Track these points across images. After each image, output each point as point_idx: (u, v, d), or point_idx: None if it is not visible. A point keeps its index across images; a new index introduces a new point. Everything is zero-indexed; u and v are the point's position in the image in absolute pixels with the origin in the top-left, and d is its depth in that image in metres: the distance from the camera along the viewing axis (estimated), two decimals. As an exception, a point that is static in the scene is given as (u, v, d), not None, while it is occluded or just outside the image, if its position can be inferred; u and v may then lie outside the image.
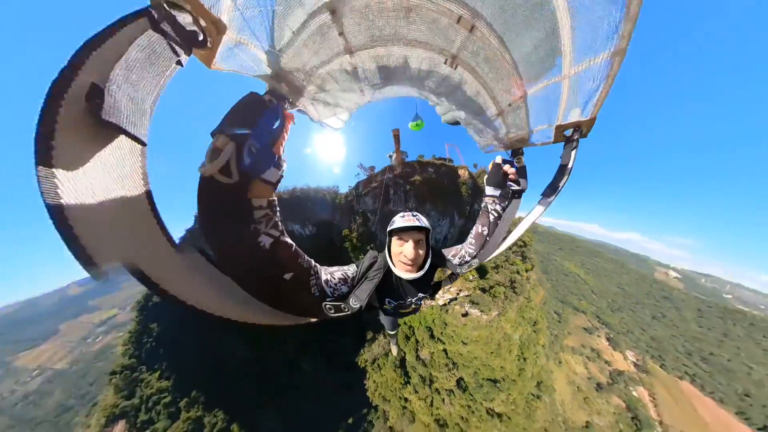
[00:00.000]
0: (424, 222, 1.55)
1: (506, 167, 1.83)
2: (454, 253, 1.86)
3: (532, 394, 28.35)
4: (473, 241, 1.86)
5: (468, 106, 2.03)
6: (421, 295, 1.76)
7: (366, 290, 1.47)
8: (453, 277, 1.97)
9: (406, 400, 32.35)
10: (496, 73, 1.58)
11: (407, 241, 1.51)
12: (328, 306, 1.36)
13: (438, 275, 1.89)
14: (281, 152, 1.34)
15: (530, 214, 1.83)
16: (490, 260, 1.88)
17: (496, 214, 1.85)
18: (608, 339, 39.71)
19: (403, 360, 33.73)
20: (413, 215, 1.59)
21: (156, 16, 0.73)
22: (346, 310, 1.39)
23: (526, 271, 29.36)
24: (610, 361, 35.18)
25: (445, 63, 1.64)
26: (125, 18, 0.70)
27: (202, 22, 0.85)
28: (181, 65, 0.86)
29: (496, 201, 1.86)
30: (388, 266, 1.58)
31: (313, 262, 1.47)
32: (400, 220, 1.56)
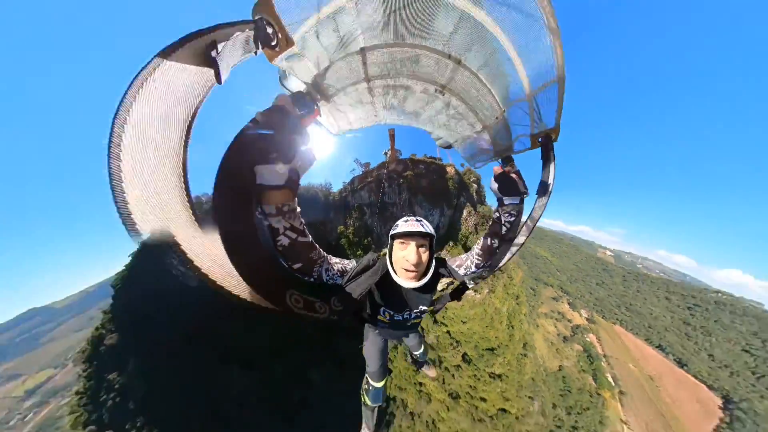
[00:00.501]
0: (428, 228, 1.48)
1: (509, 171, 1.71)
2: (459, 264, 1.72)
3: (521, 354, 34.90)
4: (480, 252, 1.70)
5: (456, 127, 2.46)
6: (422, 308, 1.67)
7: (360, 284, 1.32)
8: (456, 295, 1.90)
9: (420, 384, 35.77)
10: (477, 99, 2.04)
11: (410, 245, 1.43)
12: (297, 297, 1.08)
13: (437, 294, 1.76)
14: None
15: (529, 218, 1.83)
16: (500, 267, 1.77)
17: (508, 226, 1.67)
18: (569, 303, 50.57)
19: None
20: (417, 220, 1.51)
21: (257, 22, 1.22)
22: (322, 309, 1.13)
23: None
24: (571, 319, 45.93)
25: (435, 92, 2.11)
26: (241, 22, 1.16)
27: (279, 35, 1.34)
28: (255, 54, 1.29)
29: (511, 211, 1.65)
30: (387, 272, 1.47)
31: (322, 252, 1.37)
32: (403, 225, 1.49)
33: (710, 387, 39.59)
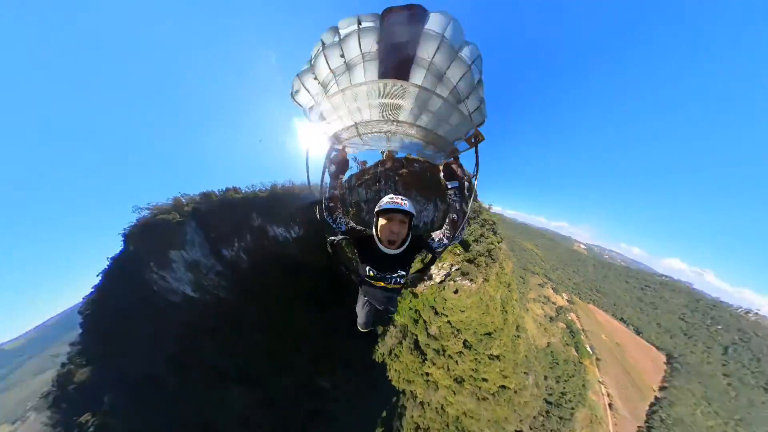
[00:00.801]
0: (409, 207, 1.83)
1: (451, 164, 2.69)
2: (435, 238, 2.30)
3: (515, 335, 38.64)
4: (448, 227, 2.32)
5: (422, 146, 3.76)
6: (401, 272, 2.12)
7: (354, 227, 2.24)
8: (433, 261, 2.42)
9: (427, 374, 37.69)
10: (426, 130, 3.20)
11: (392, 221, 1.86)
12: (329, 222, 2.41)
13: (416, 265, 2.35)
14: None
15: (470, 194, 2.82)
16: (463, 235, 2.43)
17: (454, 202, 2.43)
18: (553, 288, 57.69)
19: (416, 342, 39.31)
20: (402, 198, 1.86)
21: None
22: (333, 227, 2.37)
23: (498, 243, 40.25)
24: (555, 302, 52.56)
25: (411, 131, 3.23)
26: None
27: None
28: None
29: (456, 192, 2.46)
30: (372, 239, 2.02)
31: (340, 208, 2.53)
32: (387, 201, 1.88)
33: (658, 348, 50.82)
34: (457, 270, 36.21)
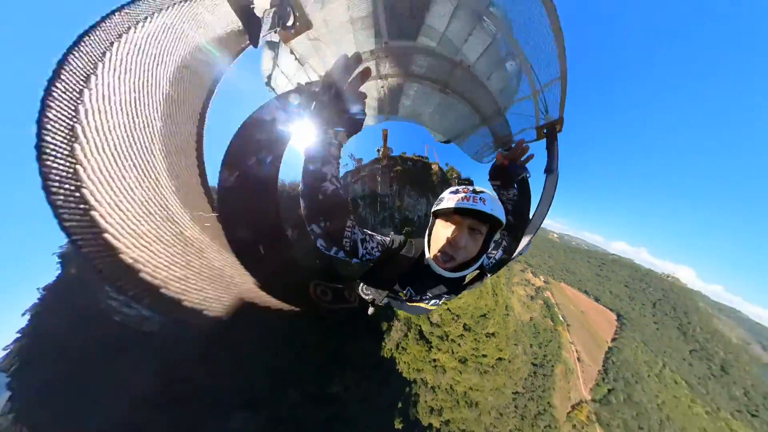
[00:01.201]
0: (491, 207, 1.00)
1: (502, 161, 1.43)
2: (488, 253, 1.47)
3: (504, 314, 44.84)
4: (500, 248, 1.50)
5: (456, 124, 2.50)
6: (446, 296, 1.30)
7: (393, 271, 1.14)
8: (482, 277, 1.53)
9: (434, 360, 41.61)
10: (474, 94, 2.08)
11: (458, 226, 1.03)
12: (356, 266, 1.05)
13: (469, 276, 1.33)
14: None
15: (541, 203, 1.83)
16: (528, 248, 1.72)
17: (513, 213, 1.48)
18: (532, 272, 67.59)
19: (421, 332, 43.11)
20: (478, 195, 1.03)
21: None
22: (352, 297, 1.13)
23: None
24: (534, 284, 62.37)
25: (439, 91, 2.14)
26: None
27: (299, 17, 1.30)
28: (276, 32, 1.22)
29: (511, 198, 1.51)
30: (422, 253, 1.17)
31: (352, 218, 1.08)
32: (453, 197, 1.06)
33: (611, 309, 65.47)
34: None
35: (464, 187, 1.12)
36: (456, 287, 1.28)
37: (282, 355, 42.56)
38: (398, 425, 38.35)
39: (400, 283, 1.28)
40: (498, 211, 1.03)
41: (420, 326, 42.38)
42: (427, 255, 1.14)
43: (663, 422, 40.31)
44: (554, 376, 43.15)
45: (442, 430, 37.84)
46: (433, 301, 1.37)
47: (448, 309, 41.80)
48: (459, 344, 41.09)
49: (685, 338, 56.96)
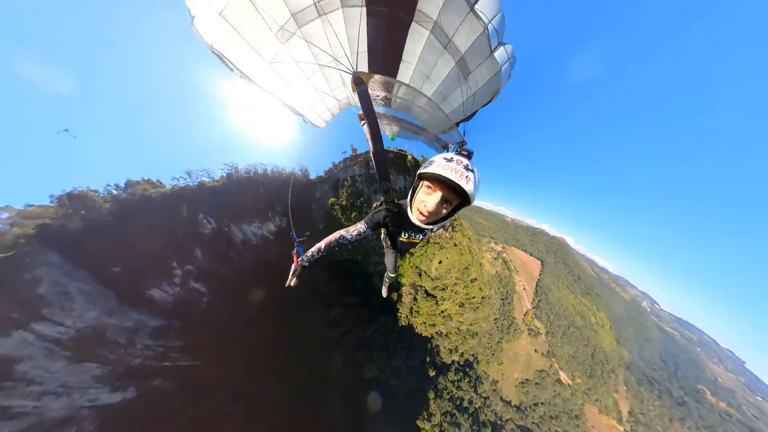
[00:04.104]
0: (471, 185, 1.26)
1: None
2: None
3: (480, 266, 64.03)
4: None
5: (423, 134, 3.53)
6: (421, 236, 2.12)
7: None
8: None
9: (443, 312, 51.50)
10: (427, 125, 3.15)
11: (435, 193, 1.38)
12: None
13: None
14: None
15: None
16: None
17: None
18: (495, 242, 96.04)
19: (426, 291, 52.08)
20: (465, 166, 1.28)
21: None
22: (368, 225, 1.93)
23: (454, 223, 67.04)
24: (496, 250, 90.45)
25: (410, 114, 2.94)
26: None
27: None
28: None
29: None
30: (404, 209, 1.74)
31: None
32: (441, 166, 1.30)
33: (539, 259, 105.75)
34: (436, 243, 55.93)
35: (459, 159, 1.32)
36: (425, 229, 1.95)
37: (307, 362, 41.92)
38: (431, 373, 48.08)
39: (392, 236, 2.09)
40: (475, 191, 1.28)
41: (424, 287, 52.78)
42: (409, 213, 1.61)
43: (560, 308, 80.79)
44: (513, 302, 70.36)
45: (459, 360, 50.25)
46: (419, 236, 2.15)
47: (439, 261, 53.88)
48: (456, 291, 53.77)
49: (566, 267, 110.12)
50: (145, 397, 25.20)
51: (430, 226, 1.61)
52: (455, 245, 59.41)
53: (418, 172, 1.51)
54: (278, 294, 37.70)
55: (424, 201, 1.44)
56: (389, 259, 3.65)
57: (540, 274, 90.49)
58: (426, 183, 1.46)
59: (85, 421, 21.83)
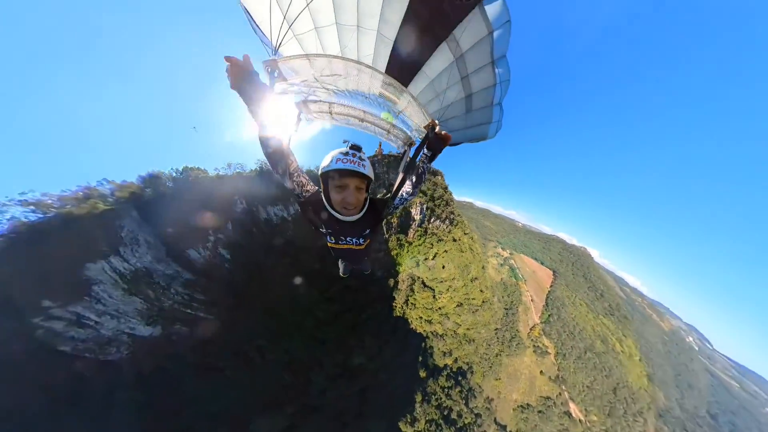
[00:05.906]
0: (368, 169, 1.52)
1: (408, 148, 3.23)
2: (393, 195, 2.15)
3: (482, 267, 60.56)
4: (409, 189, 2.16)
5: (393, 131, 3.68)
6: (366, 233, 1.94)
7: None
8: (379, 216, 2.07)
9: (440, 308, 48.98)
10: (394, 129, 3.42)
11: (347, 188, 1.54)
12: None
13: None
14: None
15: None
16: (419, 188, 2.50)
17: (421, 169, 2.18)
18: (501, 248, 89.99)
19: (423, 282, 49.92)
20: (356, 156, 1.51)
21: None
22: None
23: (454, 212, 59.29)
24: (502, 255, 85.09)
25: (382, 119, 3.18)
26: None
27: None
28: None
29: (425, 161, 2.19)
30: (326, 206, 1.71)
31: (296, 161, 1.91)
32: (341, 161, 1.50)
33: (551, 269, 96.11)
34: (429, 210, 52.90)
35: (354, 152, 1.60)
36: (363, 223, 1.84)
37: (297, 341, 40.78)
38: (422, 374, 45.17)
39: (320, 226, 1.87)
40: (371, 171, 1.61)
41: (422, 278, 50.36)
42: (331, 211, 1.67)
43: (575, 327, 69.50)
44: (518, 313, 63.62)
45: (452, 366, 47.03)
46: (355, 240, 1.97)
47: (436, 254, 51.44)
48: (454, 288, 51.18)
49: (587, 281, 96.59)
50: (166, 336, 30.50)
51: (358, 216, 1.72)
52: (454, 240, 55.89)
53: (320, 172, 1.66)
54: (286, 268, 42.46)
55: (343, 196, 1.61)
56: (339, 264, 3.83)
57: (551, 286, 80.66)
58: (336, 183, 1.61)
59: (122, 345, 27.69)
